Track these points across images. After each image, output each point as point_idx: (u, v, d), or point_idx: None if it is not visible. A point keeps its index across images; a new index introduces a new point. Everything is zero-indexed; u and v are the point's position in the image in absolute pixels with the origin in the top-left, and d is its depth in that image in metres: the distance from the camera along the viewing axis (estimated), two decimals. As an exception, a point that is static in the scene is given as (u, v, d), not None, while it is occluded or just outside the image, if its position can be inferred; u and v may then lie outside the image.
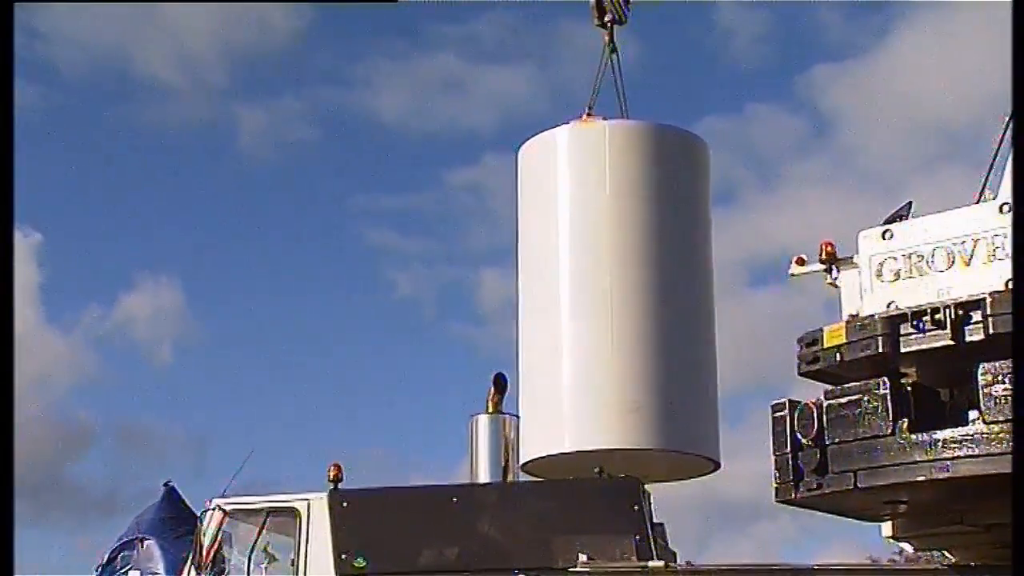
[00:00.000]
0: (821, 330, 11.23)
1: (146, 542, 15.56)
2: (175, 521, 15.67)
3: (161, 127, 37.02)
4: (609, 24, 15.93)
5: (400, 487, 13.91)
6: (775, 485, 11.27)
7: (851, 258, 11.52)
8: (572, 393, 14.08)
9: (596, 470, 13.08)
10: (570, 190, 14.81)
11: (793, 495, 11.13)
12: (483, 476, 14.10)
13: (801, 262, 11.89)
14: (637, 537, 12.58)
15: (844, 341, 10.92)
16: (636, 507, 12.83)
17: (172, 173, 37.49)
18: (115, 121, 36.89)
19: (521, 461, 14.50)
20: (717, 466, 14.64)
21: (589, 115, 15.31)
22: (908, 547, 12.23)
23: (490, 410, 14.30)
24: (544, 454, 14.08)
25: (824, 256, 11.62)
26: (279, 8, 36.36)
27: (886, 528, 12.18)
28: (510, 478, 14.18)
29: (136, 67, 36.97)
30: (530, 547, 12.78)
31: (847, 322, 11.10)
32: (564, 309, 14.50)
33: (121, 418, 36.59)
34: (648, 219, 14.60)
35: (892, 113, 36.73)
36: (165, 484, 16.76)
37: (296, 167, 37.72)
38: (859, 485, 10.69)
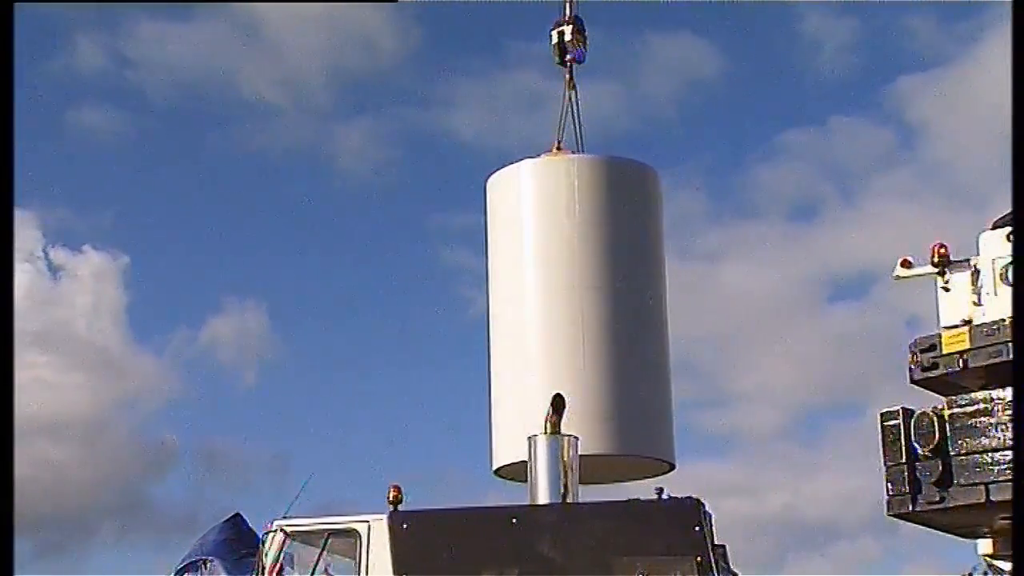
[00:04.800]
0: (938, 335, 9.74)
1: (210, 563, 14.56)
2: (238, 543, 14.60)
3: (254, 150, 35.60)
4: (569, 63, 15.78)
5: (459, 508, 12.56)
6: (887, 497, 9.60)
7: (967, 260, 10.07)
8: (543, 404, 13.42)
9: (656, 490, 11.90)
10: (540, 218, 14.86)
11: (911, 508, 9.52)
12: (542, 497, 12.61)
13: (907, 264, 10.41)
14: (698, 558, 11.33)
15: (968, 347, 9.44)
16: (697, 528, 11.52)
17: (260, 196, 36.19)
18: (203, 145, 35.74)
19: (494, 467, 14.67)
20: (672, 467, 14.71)
21: (559, 148, 15.31)
22: (1007, 566, 10.68)
23: (549, 431, 13.00)
24: (516, 460, 14.00)
25: (936, 259, 10.21)
26: (387, 29, 34.87)
27: (984, 546, 10.61)
28: (570, 499, 12.85)
29: (231, 90, 35.52)
30: (590, 568, 11.47)
31: (971, 327, 9.59)
32: (534, 327, 14.51)
33: (204, 439, 35.29)
34: (612, 244, 14.66)
35: (981, 123, 33.99)
36: (234, 514, 15.78)
37: (378, 188, 36.21)
38: (991, 499, 9.18)
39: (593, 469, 13.04)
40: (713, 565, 11.34)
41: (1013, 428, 9.03)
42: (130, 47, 35.47)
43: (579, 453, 12.93)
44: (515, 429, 14.33)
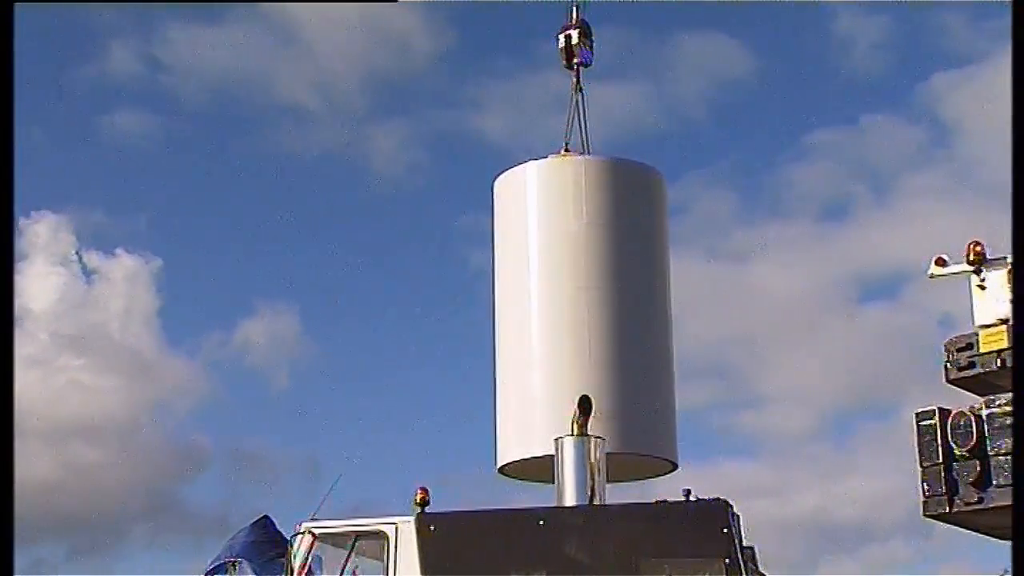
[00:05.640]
0: (975, 334, 9.49)
1: (239, 564, 14.44)
2: (267, 545, 14.44)
3: (286, 154, 35.22)
4: (577, 67, 15.77)
5: (486, 510, 12.35)
6: (923, 499, 9.34)
7: (1004, 258, 9.75)
8: (547, 402, 13.91)
9: (684, 492, 11.69)
10: (546, 219, 14.78)
11: (947, 508, 9.27)
12: (569, 499, 12.44)
13: (941, 263, 10.14)
14: (726, 560, 11.13)
15: (1006, 345, 9.19)
16: (725, 530, 11.30)
17: (291, 199, 35.96)
18: (236, 148, 35.51)
19: (498, 464, 14.55)
20: (675, 466, 14.64)
21: (566, 150, 15.26)
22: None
23: (576, 432, 12.81)
24: (519, 457, 14.22)
25: (972, 257, 9.93)
26: (420, 31, 34.51)
27: None
28: (597, 500, 12.65)
29: (264, 94, 35.18)
30: (617, 570, 11.25)
31: (1008, 326, 9.31)
32: (539, 327, 14.45)
33: (236, 442, 35.13)
34: (619, 244, 14.62)
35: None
36: (263, 516, 15.63)
37: (409, 190, 35.81)
38: None
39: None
40: (741, 567, 11.12)
41: (1013, 429, 8.89)
42: (163, 52, 35.43)
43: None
44: (520, 427, 14.37)
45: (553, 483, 14.00)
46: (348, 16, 32.11)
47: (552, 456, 13.21)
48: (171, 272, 32.99)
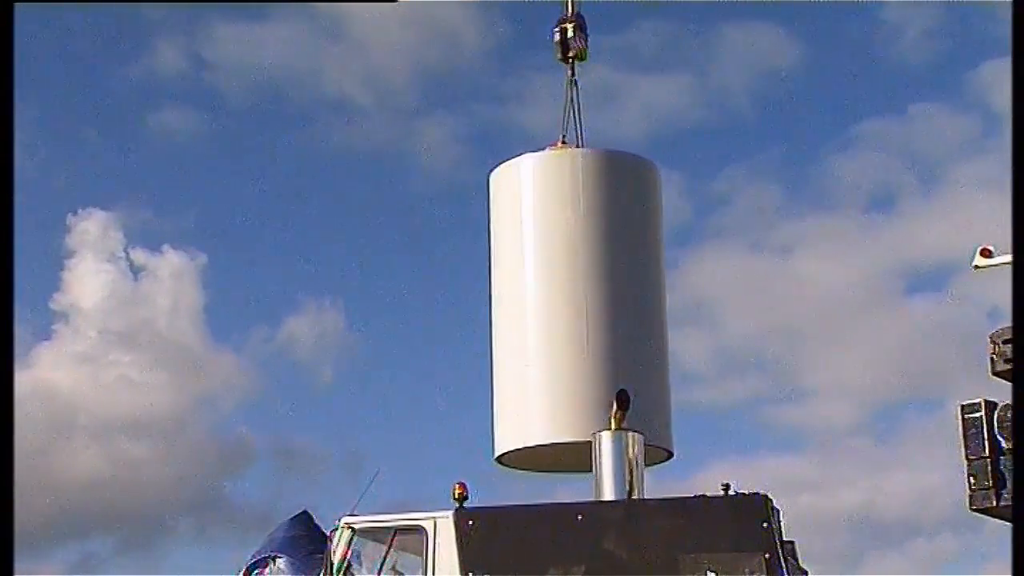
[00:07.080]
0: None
1: (279, 559, 14.33)
2: (306, 539, 14.32)
3: (332, 149, 34.97)
4: (571, 60, 15.68)
5: (525, 505, 12.25)
6: (969, 492, 9.10)
7: None
8: (545, 392, 13.92)
9: (723, 486, 11.50)
10: (542, 211, 14.76)
11: (994, 503, 9.02)
12: (608, 493, 12.29)
13: (987, 254, 9.90)
14: (766, 555, 10.98)
15: None
16: (765, 524, 11.13)
17: (337, 195, 35.68)
18: (282, 145, 35.33)
19: (496, 454, 14.45)
20: (670, 455, 14.56)
21: (563, 143, 15.20)
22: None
23: (613, 427, 12.66)
24: (515, 447, 14.15)
25: None
26: (471, 26, 34.13)
27: None
28: (635, 495, 12.45)
29: (309, 89, 34.95)
30: (656, 565, 11.13)
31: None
32: (536, 317, 14.45)
33: (281, 437, 35.13)
34: (615, 236, 14.60)
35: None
36: (302, 511, 15.54)
37: (455, 185, 35.43)
38: None
39: (586, 458, 12.88)
40: (781, 561, 10.96)
41: (1013, 428, 8.76)
42: (209, 50, 35.39)
43: (577, 440, 13.01)
44: (517, 417, 14.31)
45: (549, 472, 14.59)
46: (396, 11, 31.89)
47: (548, 445, 13.55)
48: (216, 268, 33.01)
